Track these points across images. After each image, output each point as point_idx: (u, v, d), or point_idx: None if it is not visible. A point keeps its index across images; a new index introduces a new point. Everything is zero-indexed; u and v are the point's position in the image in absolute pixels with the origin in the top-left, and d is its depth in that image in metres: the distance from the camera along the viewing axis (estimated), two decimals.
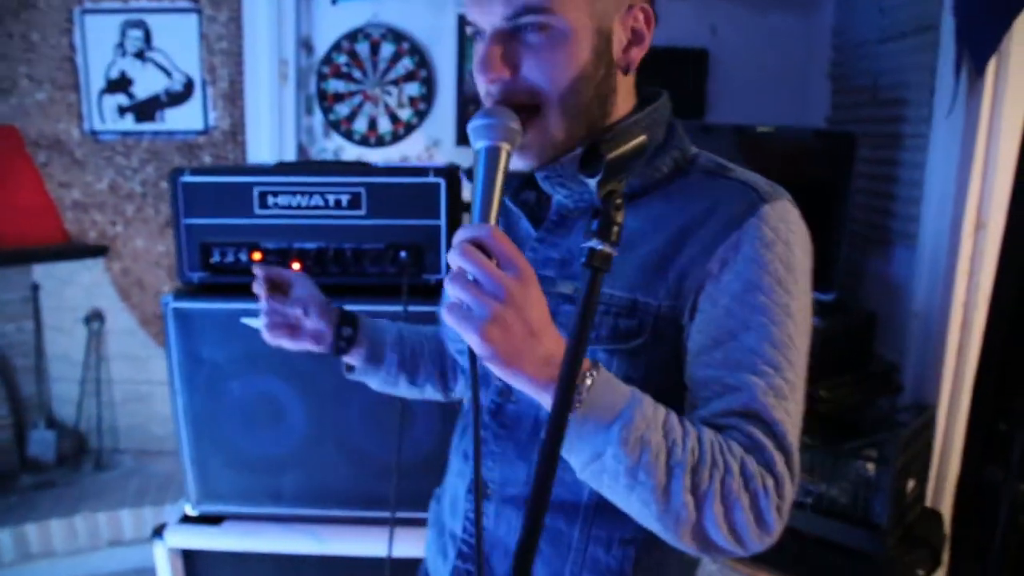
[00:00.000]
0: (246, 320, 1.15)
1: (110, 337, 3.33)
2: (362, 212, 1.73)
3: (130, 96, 3.18)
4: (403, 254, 1.73)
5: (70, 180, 3.22)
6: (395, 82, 3.07)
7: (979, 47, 2.03)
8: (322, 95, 3.07)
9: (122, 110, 3.19)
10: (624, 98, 0.95)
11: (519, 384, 0.76)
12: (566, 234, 0.97)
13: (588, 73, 0.88)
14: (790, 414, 0.82)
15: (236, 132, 3.15)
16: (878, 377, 2.37)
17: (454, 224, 1.74)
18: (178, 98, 3.19)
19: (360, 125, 3.09)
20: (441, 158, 3.14)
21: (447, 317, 0.73)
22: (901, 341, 2.41)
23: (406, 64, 3.05)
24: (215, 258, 1.77)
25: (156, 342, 3.32)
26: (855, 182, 2.40)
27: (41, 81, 3.14)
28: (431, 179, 1.72)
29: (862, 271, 2.71)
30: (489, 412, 1.02)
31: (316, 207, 1.73)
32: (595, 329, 0.89)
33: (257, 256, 1.76)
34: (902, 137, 2.56)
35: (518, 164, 0.90)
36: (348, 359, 1.20)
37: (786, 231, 0.87)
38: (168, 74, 3.16)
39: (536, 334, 0.74)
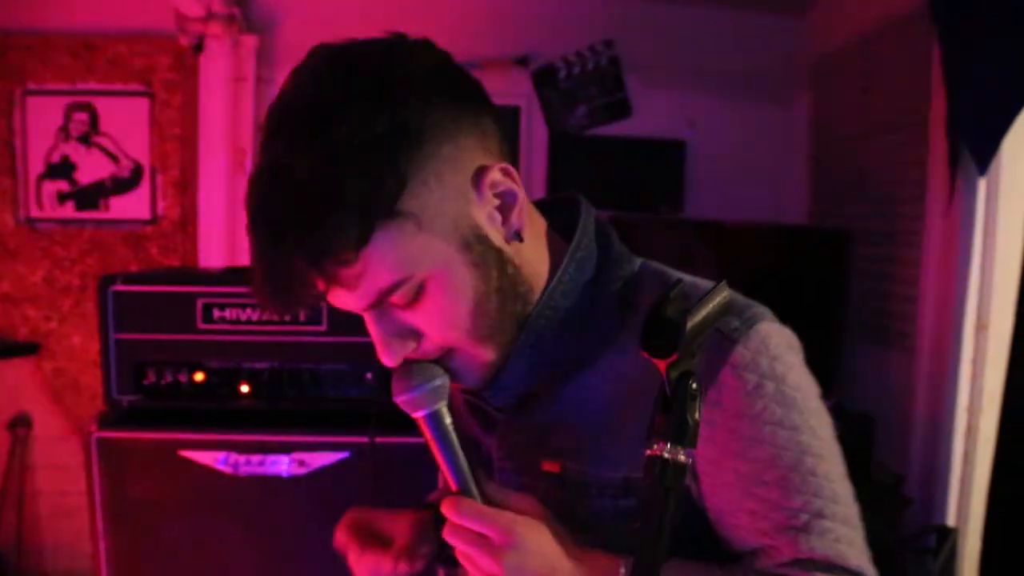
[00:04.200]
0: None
1: (36, 444, 3.01)
2: (323, 327, 1.52)
3: (72, 182, 2.96)
4: (369, 375, 1.52)
5: (0, 271, 2.96)
6: None
7: (982, 145, 1.94)
8: None
9: (62, 196, 2.96)
10: (539, 255, 0.82)
11: None
12: (530, 412, 0.85)
13: (484, 288, 0.75)
14: (850, 544, 0.77)
15: (187, 223, 2.93)
16: (884, 489, 2.19)
17: None
18: (125, 185, 2.97)
19: None
20: None
21: None
22: (904, 449, 2.26)
23: None
24: (150, 379, 1.53)
25: None
26: (850, 281, 2.28)
27: None
28: None
29: (858, 373, 2.57)
30: None
31: (269, 322, 1.51)
32: (596, 515, 0.81)
33: (200, 377, 1.53)
34: (895, 234, 2.46)
35: (464, 387, 0.82)
36: None
37: (770, 365, 0.76)
38: (115, 159, 2.96)
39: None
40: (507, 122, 2.94)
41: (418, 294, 0.73)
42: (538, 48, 2.91)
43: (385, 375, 1.50)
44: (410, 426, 1.51)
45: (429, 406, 0.74)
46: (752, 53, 2.92)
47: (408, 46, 0.76)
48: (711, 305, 0.58)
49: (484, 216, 0.75)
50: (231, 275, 1.62)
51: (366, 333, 1.52)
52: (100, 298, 1.51)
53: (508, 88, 2.91)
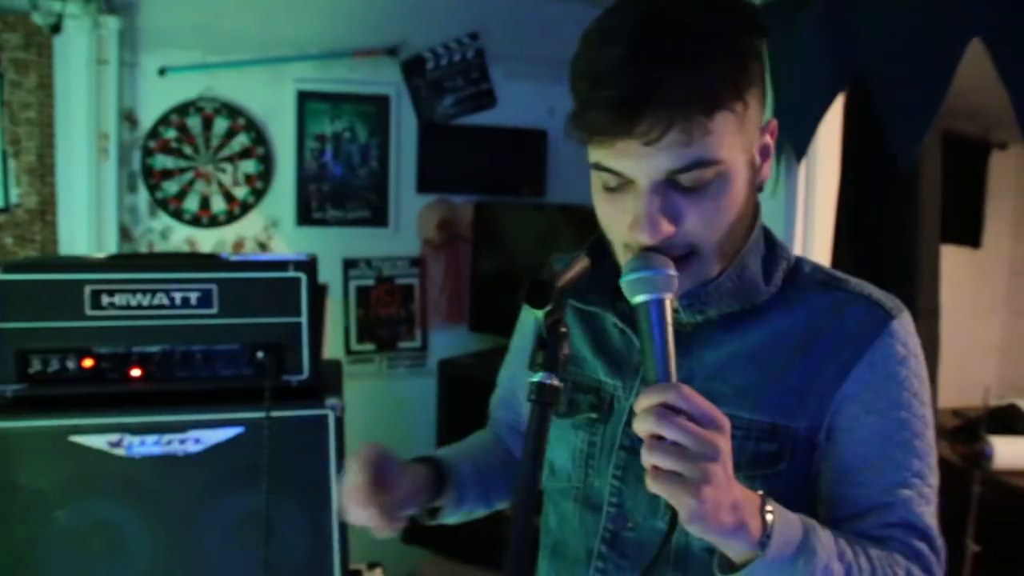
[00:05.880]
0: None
1: None
2: (214, 310, 1.58)
3: None
4: (261, 354, 1.60)
5: None
6: (230, 159, 2.90)
7: (799, 136, 2.24)
8: (148, 171, 2.84)
9: None
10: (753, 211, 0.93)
11: (706, 534, 0.72)
12: (684, 351, 0.89)
13: (743, 210, 0.86)
14: (934, 514, 0.89)
15: (45, 211, 2.83)
16: None
17: (316, 320, 1.64)
18: None
19: (191, 204, 2.89)
20: (280, 239, 2.99)
21: (653, 487, 0.70)
22: None
23: (242, 140, 2.90)
24: (36, 367, 1.54)
25: None
26: None
27: None
28: (291, 273, 1.61)
29: None
30: (604, 541, 0.96)
31: (160, 306, 1.56)
32: (736, 457, 0.82)
33: (88, 363, 1.56)
34: None
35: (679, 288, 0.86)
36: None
37: (914, 344, 0.90)
38: None
39: (732, 481, 0.72)
40: (376, 110, 3.03)
41: (710, 181, 0.80)
42: (407, 39, 3.02)
43: (278, 353, 1.59)
44: (303, 399, 1.62)
45: (659, 292, 0.77)
46: None
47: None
48: (574, 271, 0.77)
49: (756, 156, 0.87)
50: (119, 262, 1.65)
51: (256, 314, 1.61)
52: None
53: (379, 77, 3.00)
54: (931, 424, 0.90)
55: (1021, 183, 3.63)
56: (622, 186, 0.83)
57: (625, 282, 0.79)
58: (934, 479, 0.89)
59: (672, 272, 0.78)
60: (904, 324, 0.90)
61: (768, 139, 0.88)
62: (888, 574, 0.82)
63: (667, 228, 0.80)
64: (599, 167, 0.83)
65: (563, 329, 0.73)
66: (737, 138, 0.81)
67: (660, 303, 0.77)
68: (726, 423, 0.72)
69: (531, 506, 0.72)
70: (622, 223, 0.83)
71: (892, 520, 0.86)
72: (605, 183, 0.85)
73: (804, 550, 0.76)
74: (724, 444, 0.71)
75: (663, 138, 0.76)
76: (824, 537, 0.79)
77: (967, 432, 2.89)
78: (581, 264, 0.78)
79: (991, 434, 2.64)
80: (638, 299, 0.77)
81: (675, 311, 0.90)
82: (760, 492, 0.77)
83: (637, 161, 0.78)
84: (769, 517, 0.75)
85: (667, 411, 0.70)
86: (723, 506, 0.70)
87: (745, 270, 0.90)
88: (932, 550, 0.87)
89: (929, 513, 0.88)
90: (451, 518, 1.12)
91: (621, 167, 0.80)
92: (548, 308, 0.72)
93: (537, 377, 0.71)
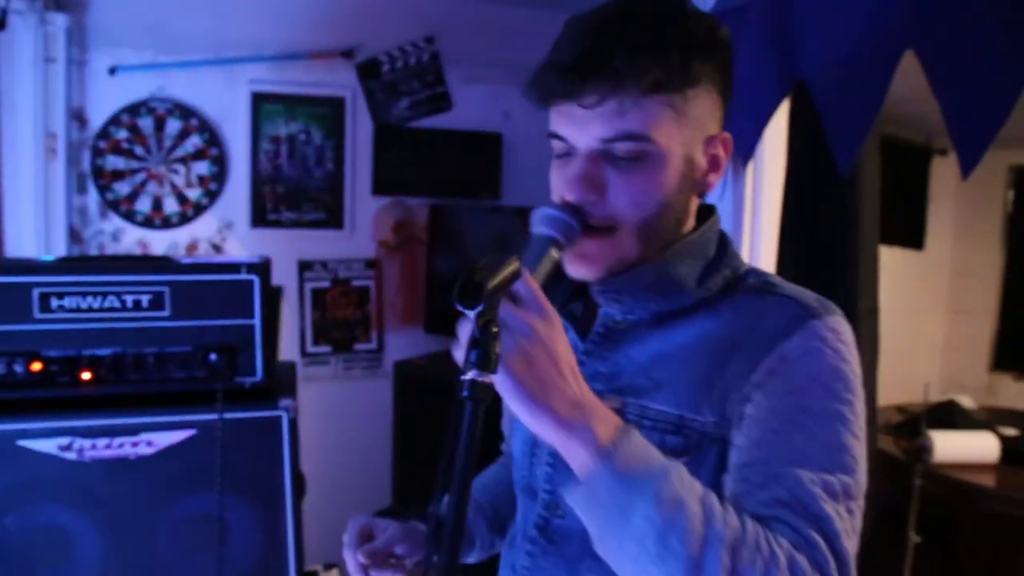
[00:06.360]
0: None
1: None
2: (166, 313, 1.57)
3: None
4: (214, 356, 1.60)
5: None
6: (183, 160, 2.88)
7: (745, 139, 2.30)
8: (98, 172, 2.80)
9: None
10: (692, 216, 0.98)
11: (544, 427, 0.75)
12: (614, 348, 0.97)
13: (671, 199, 0.91)
14: (842, 516, 0.79)
15: None
16: None
17: (269, 322, 1.64)
18: None
19: (143, 205, 2.85)
20: (234, 241, 2.97)
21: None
22: None
23: (195, 141, 2.88)
24: None
25: None
26: None
27: None
28: (244, 276, 1.61)
29: None
30: (536, 527, 1.00)
31: (111, 309, 1.54)
32: None
33: (37, 367, 1.53)
34: None
35: (582, 272, 0.94)
36: None
37: (835, 341, 0.88)
38: None
39: (563, 371, 0.76)
40: (332, 112, 3.03)
41: (638, 159, 0.88)
42: (363, 42, 3.02)
43: (231, 356, 1.59)
44: (256, 401, 1.62)
45: (555, 232, 0.87)
46: None
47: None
48: (505, 273, 0.78)
49: (699, 158, 0.93)
50: (69, 264, 1.62)
51: (209, 316, 1.60)
52: None
53: (334, 79, 3.00)
54: (849, 422, 0.84)
55: (961, 187, 3.77)
56: (568, 153, 0.92)
57: (535, 215, 0.89)
58: (846, 477, 0.81)
59: (576, 226, 0.88)
60: (828, 323, 0.88)
61: (719, 150, 0.95)
62: (763, 549, 0.73)
63: (593, 190, 0.89)
64: (552, 135, 0.93)
65: (495, 329, 0.74)
66: (674, 129, 0.89)
67: (550, 240, 0.87)
68: (555, 319, 0.78)
69: (465, 502, 0.74)
70: (562, 186, 0.92)
71: (781, 495, 0.79)
72: (556, 150, 0.93)
73: (657, 476, 0.74)
74: (544, 331, 0.76)
75: (600, 106, 0.86)
76: (687, 479, 0.76)
77: (909, 427, 2.99)
78: (511, 267, 0.80)
79: (931, 429, 2.74)
80: (536, 230, 0.88)
81: (576, 291, 1.00)
82: (626, 421, 0.79)
83: (577, 125, 0.89)
84: (623, 434, 0.76)
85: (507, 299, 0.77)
86: (550, 392, 0.74)
87: (670, 267, 0.94)
88: (832, 551, 0.76)
89: (830, 505, 0.78)
90: (473, 558, 1.18)
91: (565, 132, 0.90)
92: (480, 308, 0.74)
93: (469, 375, 0.74)
